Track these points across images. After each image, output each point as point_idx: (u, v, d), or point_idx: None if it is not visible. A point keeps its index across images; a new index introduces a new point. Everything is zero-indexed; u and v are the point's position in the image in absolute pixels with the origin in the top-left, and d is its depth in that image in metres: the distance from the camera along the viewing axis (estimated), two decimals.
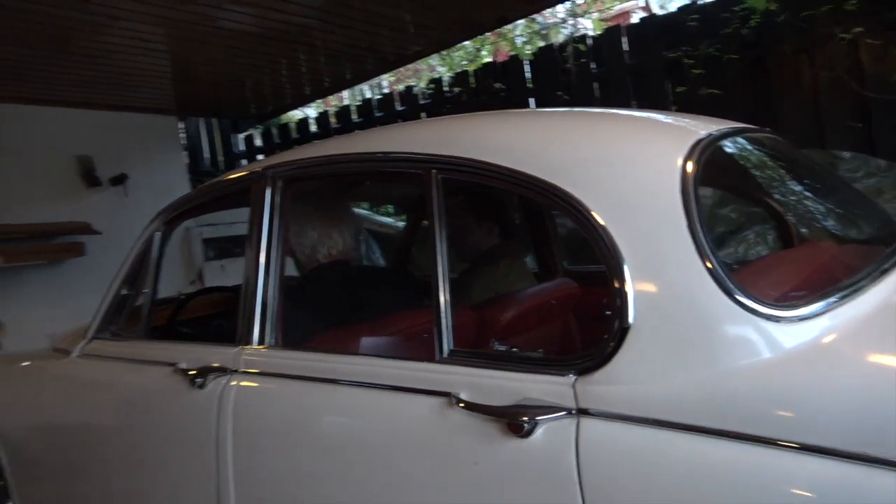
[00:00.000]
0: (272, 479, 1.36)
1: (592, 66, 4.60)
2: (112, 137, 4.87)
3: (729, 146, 1.33)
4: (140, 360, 1.80)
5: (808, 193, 1.55)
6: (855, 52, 3.72)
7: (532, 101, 4.84)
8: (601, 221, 1.01)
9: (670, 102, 4.32)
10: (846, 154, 3.72)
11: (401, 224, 4.82)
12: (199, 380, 1.51)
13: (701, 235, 0.96)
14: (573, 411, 0.97)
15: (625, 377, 0.95)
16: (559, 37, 5.28)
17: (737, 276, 0.96)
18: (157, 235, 1.93)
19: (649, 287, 0.96)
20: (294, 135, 6.22)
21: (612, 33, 4.62)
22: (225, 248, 5.15)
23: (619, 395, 0.94)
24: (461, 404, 1.07)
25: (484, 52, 5.67)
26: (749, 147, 1.48)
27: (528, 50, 5.12)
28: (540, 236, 2.47)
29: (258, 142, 6.51)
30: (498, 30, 5.14)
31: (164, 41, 3.75)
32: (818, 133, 3.95)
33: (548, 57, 4.76)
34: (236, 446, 1.41)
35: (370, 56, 4.82)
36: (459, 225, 2.36)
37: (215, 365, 1.52)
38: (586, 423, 0.96)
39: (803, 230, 1.48)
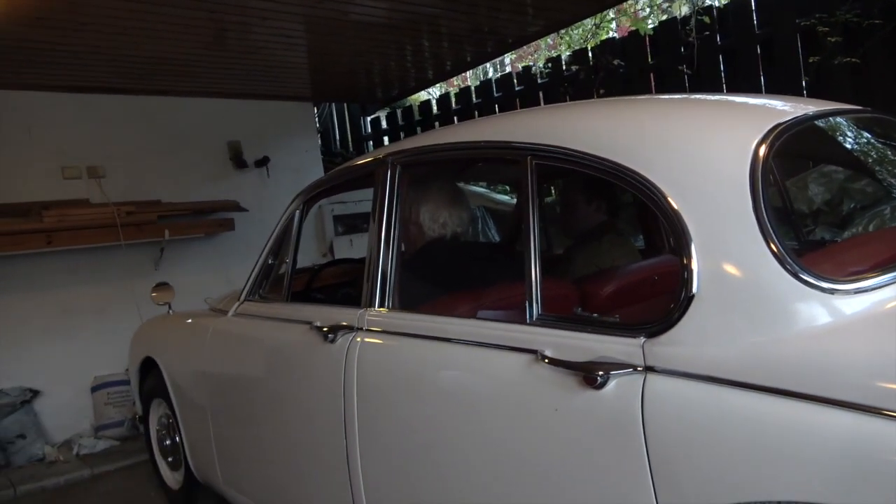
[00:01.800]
0: (389, 419, 1.60)
1: (718, 38, 4.46)
2: (257, 124, 5.38)
3: (819, 128, 1.37)
4: (283, 319, 2.13)
5: None
6: None
7: (652, 76, 4.77)
8: (675, 206, 1.13)
9: (803, 74, 4.11)
10: None
11: (514, 202, 4.97)
12: (330, 335, 1.78)
13: (764, 216, 1.05)
14: (641, 368, 1.11)
15: (687, 340, 1.07)
16: (683, 9, 5.12)
17: (799, 254, 1.04)
18: (297, 213, 2.23)
19: (713, 262, 1.07)
20: (416, 117, 6.51)
21: (740, 2, 4.43)
22: (353, 223, 5.55)
23: (682, 356, 1.07)
24: (546, 360, 1.23)
25: (603, 29, 5.61)
26: (845, 128, 1.50)
27: (650, 24, 5.02)
28: (648, 214, 2.53)
29: (384, 124, 6.87)
30: (619, 5, 5.08)
31: (304, 36, 4.11)
32: None
33: (670, 31, 4.66)
34: (360, 391, 1.67)
35: (490, 39, 4.95)
36: (570, 202, 2.48)
37: (344, 324, 1.78)
38: (652, 378, 1.09)
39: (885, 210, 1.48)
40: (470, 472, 1.39)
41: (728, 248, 1.07)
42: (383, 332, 1.69)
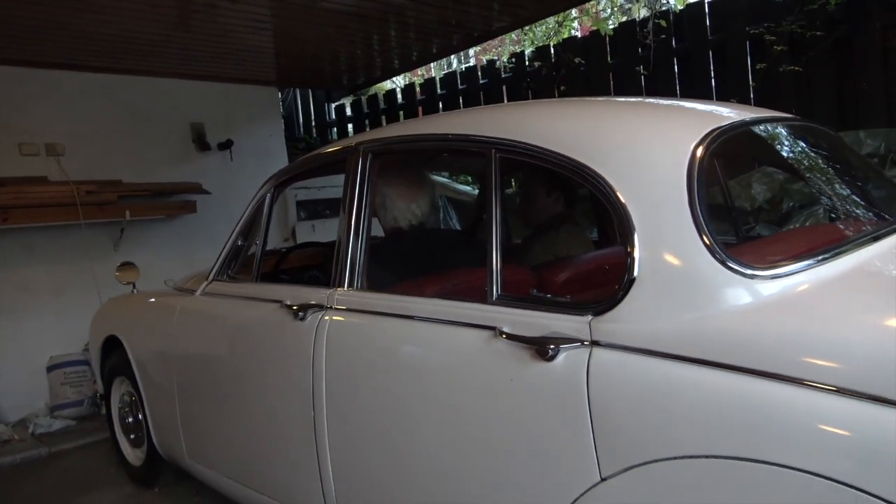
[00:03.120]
0: (356, 393, 1.71)
1: (673, 41, 4.66)
2: (221, 106, 5.37)
3: (754, 133, 1.53)
4: (253, 298, 2.21)
5: (828, 177, 1.71)
6: None
7: (611, 75, 4.96)
8: (623, 200, 1.27)
9: (751, 79, 4.35)
10: None
11: (475, 192, 5.10)
12: (300, 314, 1.88)
13: (698, 210, 1.20)
14: (587, 342, 1.25)
15: (628, 317, 1.21)
16: (642, 12, 5.31)
17: (729, 245, 1.19)
18: (268, 196, 2.31)
19: (653, 250, 1.21)
20: (382, 105, 6.58)
21: (694, 8, 4.65)
22: (315, 209, 5.61)
23: (623, 331, 1.21)
24: (504, 335, 1.36)
25: (566, 28, 5.78)
26: (779, 134, 1.67)
27: (611, 25, 5.20)
28: (601, 207, 2.69)
29: (348, 111, 6.91)
30: (581, 6, 5.24)
31: (272, 21, 4.14)
32: None
33: (628, 32, 4.84)
34: (328, 367, 1.77)
35: (457, 32, 5.06)
36: (530, 193, 2.62)
37: (314, 303, 1.88)
38: (597, 351, 1.23)
39: (818, 209, 1.65)
40: (433, 439, 1.52)
41: (666, 237, 1.21)
42: (352, 310, 1.79)
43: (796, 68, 4.08)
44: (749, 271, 1.16)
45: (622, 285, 1.23)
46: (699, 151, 1.28)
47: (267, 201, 2.33)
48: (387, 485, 1.65)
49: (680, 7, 4.95)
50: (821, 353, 1.02)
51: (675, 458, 1.11)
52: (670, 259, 1.20)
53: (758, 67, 4.23)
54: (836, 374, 0.99)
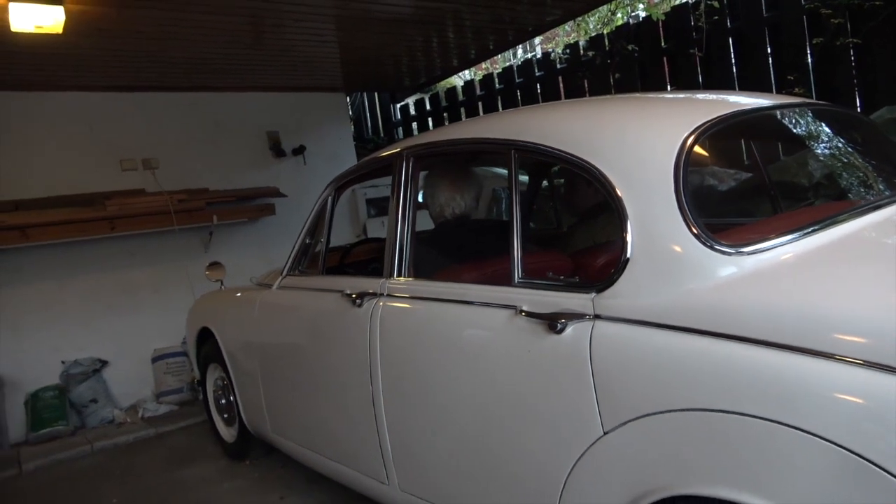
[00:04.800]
0: (407, 366, 1.96)
1: (728, 21, 4.64)
2: (293, 114, 5.77)
3: (753, 122, 1.65)
4: (319, 289, 2.50)
5: (839, 156, 1.80)
6: None
7: (665, 60, 4.98)
8: (619, 193, 1.45)
9: (809, 55, 4.28)
10: None
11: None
12: (358, 301, 2.15)
13: (683, 198, 1.36)
14: (590, 316, 1.44)
15: (624, 293, 1.39)
16: None
17: (711, 228, 1.35)
18: (329, 199, 2.59)
19: (645, 233, 1.39)
20: (443, 103, 6.82)
21: None
22: (384, 206, 5.92)
23: (620, 306, 1.39)
24: (523, 313, 1.57)
25: (619, 15, 5.81)
26: (786, 120, 1.78)
27: (663, 10, 5.21)
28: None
29: (412, 111, 7.19)
30: None
31: (334, 33, 4.46)
32: None
33: (681, 16, 4.85)
34: (382, 346, 2.03)
35: (511, 28, 5.22)
36: (572, 184, 2.78)
37: (370, 291, 2.14)
38: (598, 324, 1.42)
39: (825, 191, 1.75)
40: (468, 404, 1.74)
41: (655, 222, 1.38)
42: (401, 296, 2.04)
43: (855, 40, 4.00)
44: (729, 249, 1.32)
45: (618, 266, 1.41)
46: (689, 143, 1.44)
47: (329, 203, 2.61)
48: (433, 444, 1.89)
49: None
50: (784, 318, 1.17)
51: (665, 411, 1.28)
52: (658, 241, 1.37)
53: (814, 42, 4.16)
54: (798, 336, 1.13)
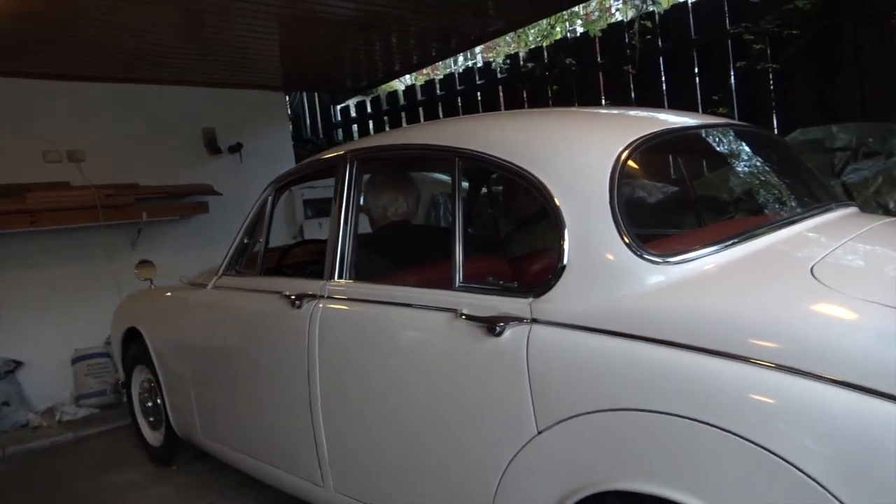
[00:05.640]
0: (345, 369, 1.97)
1: (659, 41, 4.86)
2: (230, 111, 5.64)
3: (684, 139, 1.76)
4: (257, 290, 2.47)
5: (760, 173, 1.94)
6: None
7: (601, 75, 5.17)
8: (558, 203, 1.51)
9: (732, 77, 4.54)
10: None
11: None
12: (297, 302, 2.14)
13: (617, 209, 1.43)
14: (528, 320, 1.49)
15: (560, 298, 1.45)
16: (629, 14, 5.51)
17: (644, 238, 1.43)
18: (269, 199, 2.57)
19: (580, 242, 1.45)
20: (384, 106, 6.83)
21: (679, 9, 4.85)
22: (322, 207, 5.85)
23: (556, 310, 1.45)
24: (463, 316, 1.61)
25: (557, 29, 5.99)
26: (711, 139, 1.89)
27: (600, 27, 5.41)
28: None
29: (353, 113, 7.17)
30: (571, 8, 5.46)
31: (276, 32, 4.41)
32: (879, 105, 4.06)
33: (616, 33, 5.05)
34: (321, 348, 2.03)
35: (454, 36, 5.29)
36: (511, 191, 2.85)
37: (309, 292, 2.14)
38: (535, 327, 1.48)
39: (744, 206, 1.88)
40: (406, 406, 1.77)
41: (591, 231, 1.45)
42: (341, 298, 2.05)
43: (774, 65, 4.27)
44: (658, 259, 1.40)
45: (555, 272, 1.47)
46: (622, 157, 1.52)
47: (269, 203, 2.58)
48: (370, 446, 1.91)
49: (665, 8, 5.13)
50: (705, 324, 1.25)
51: (596, 411, 1.35)
52: (593, 249, 1.44)
53: (737, 65, 4.42)
54: (717, 340, 1.22)
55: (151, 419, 3.42)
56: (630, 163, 1.52)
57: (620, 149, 1.53)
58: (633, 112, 1.94)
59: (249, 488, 2.87)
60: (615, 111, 1.98)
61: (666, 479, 1.24)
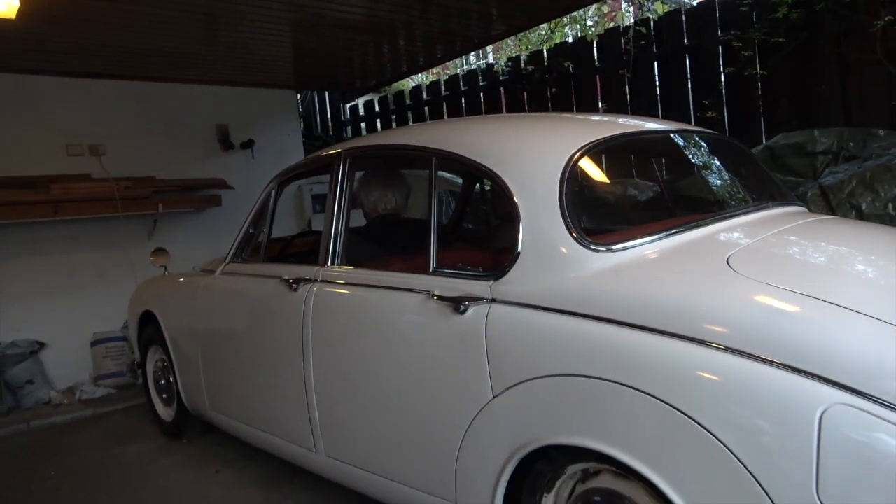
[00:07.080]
0: (336, 345, 2.20)
1: (654, 46, 5.04)
2: (243, 109, 5.91)
3: (634, 143, 1.97)
4: (259, 275, 2.71)
5: (710, 176, 2.15)
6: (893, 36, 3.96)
7: (598, 78, 5.35)
8: (516, 199, 1.73)
9: (722, 82, 4.72)
10: (881, 132, 4.02)
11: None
12: (294, 286, 2.37)
13: (565, 205, 1.65)
14: (488, 300, 1.71)
15: (515, 281, 1.67)
16: (625, 20, 5.70)
17: (591, 229, 1.64)
18: (273, 192, 2.80)
19: (532, 232, 1.67)
20: (392, 105, 7.06)
21: (673, 16, 5.03)
22: None
23: (511, 291, 1.67)
24: (435, 297, 1.84)
25: (556, 34, 6.18)
26: (673, 142, 2.10)
27: (595, 31, 5.60)
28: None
29: (362, 111, 7.40)
30: (572, 13, 5.65)
31: (288, 34, 4.65)
32: (860, 111, 4.23)
33: (613, 38, 5.24)
34: (314, 326, 2.26)
35: (458, 39, 5.52)
36: (492, 188, 3.08)
37: (305, 277, 2.37)
38: (494, 306, 1.70)
39: (694, 204, 2.09)
40: (386, 377, 2.00)
41: (541, 224, 1.67)
42: (334, 282, 2.28)
43: (762, 72, 4.45)
44: (601, 248, 1.61)
45: (511, 259, 1.69)
46: (574, 159, 1.73)
47: (273, 196, 2.82)
48: (356, 414, 2.14)
49: (660, 14, 5.31)
50: (637, 303, 1.46)
51: (541, 377, 1.56)
52: (543, 240, 1.66)
53: (726, 71, 4.60)
54: (635, 315, 1.43)
55: (164, 396, 3.68)
56: (581, 164, 1.74)
57: (572, 151, 1.75)
58: (597, 118, 2.15)
59: (252, 459, 3.12)
60: (580, 116, 2.19)
61: (594, 433, 1.45)
